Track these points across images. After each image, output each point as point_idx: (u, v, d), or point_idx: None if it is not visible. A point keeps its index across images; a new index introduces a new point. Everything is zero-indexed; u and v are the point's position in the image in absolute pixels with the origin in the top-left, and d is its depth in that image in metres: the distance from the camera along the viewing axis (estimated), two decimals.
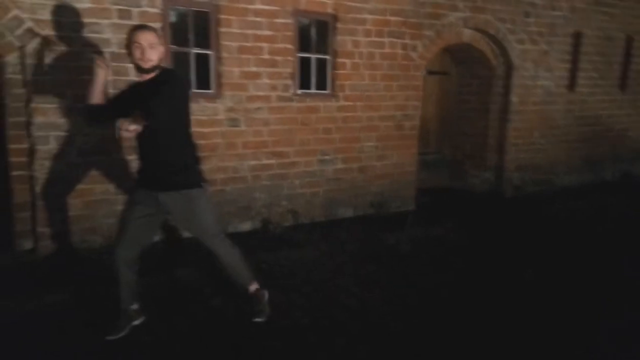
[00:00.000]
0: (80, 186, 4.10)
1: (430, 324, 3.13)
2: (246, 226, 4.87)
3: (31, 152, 3.92)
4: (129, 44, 2.67)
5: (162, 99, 2.54)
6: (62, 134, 3.96)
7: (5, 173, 4.01)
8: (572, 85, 6.96)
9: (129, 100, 2.67)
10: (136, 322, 2.98)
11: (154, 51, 2.64)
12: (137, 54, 2.63)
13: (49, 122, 3.91)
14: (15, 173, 3.96)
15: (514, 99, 6.44)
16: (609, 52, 7.23)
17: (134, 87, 2.80)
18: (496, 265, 4.14)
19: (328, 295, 3.51)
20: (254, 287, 3.13)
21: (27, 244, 4.07)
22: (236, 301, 3.27)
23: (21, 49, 3.77)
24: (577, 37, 6.81)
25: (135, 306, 2.97)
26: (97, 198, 4.18)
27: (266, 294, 3.16)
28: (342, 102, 5.17)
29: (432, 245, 4.60)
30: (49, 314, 3.12)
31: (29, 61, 3.78)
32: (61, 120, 3.94)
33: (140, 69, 2.67)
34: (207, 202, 2.92)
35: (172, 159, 2.76)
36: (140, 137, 2.63)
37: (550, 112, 6.83)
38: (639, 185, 7.37)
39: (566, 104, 6.97)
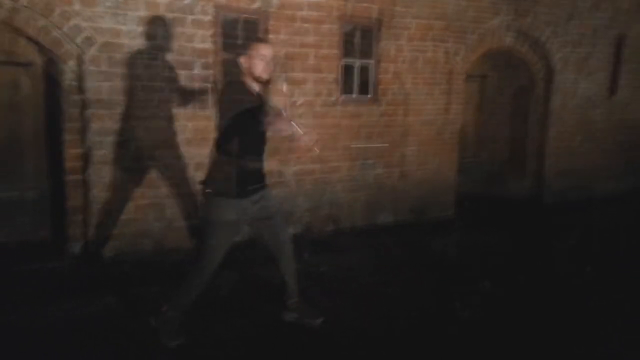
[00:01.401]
0: (132, 190, 4.19)
1: (483, 330, 3.13)
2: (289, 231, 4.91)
3: (86, 157, 4.02)
4: (252, 56, 2.72)
5: None
6: (117, 139, 4.06)
7: (59, 178, 4.13)
8: (613, 89, 6.83)
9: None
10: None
11: (271, 65, 2.77)
12: (261, 66, 2.71)
13: (105, 127, 4.00)
14: (70, 177, 4.06)
15: (554, 103, 6.36)
16: None
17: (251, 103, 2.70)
18: (540, 269, 4.10)
19: (376, 299, 3.54)
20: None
21: (79, 247, 4.17)
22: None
23: (80, 56, 3.87)
24: (620, 39, 6.68)
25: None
26: (148, 202, 4.26)
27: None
28: (384, 107, 5.17)
29: (475, 250, 4.58)
30: (101, 317, 3.19)
31: (88, 68, 3.88)
32: (116, 126, 4.03)
33: (258, 80, 2.74)
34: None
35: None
36: (257, 143, 2.79)
37: (591, 117, 6.72)
38: None
39: (607, 109, 6.84)
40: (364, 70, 5.06)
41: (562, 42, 6.15)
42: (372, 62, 5.06)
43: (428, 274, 4.02)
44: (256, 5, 4.38)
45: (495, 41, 5.77)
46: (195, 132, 4.33)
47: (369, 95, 5.12)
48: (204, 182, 2.90)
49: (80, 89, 3.93)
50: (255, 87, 2.79)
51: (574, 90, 6.46)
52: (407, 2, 5.05)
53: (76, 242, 4.14)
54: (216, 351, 2.87)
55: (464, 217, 5.59)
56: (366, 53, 5.03)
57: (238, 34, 4.40)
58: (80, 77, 3.91)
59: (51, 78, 4.19)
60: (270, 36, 4.48)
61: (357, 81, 5.05)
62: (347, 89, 5.00)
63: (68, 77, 3.91)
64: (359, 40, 4.98)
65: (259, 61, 2.71)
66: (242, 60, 2.78)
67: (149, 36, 4.02)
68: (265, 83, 2.79)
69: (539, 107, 6.40)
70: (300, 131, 2.66)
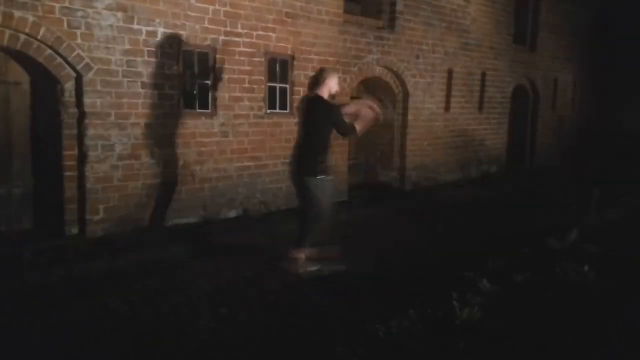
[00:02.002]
0: (117, 183, 5.33)
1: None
2: (232, 213, 6.39)
3: (83, 158, 5.09)
4: (328, 80, 4.41)
5: None
6: (107, 142, 5.20)
7: (57, 174, 5.12)
8: (447, 107, 9.51)
9: None
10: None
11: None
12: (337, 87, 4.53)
13: (98, 133, 5.13)
14: (67, 174, 5.09)
15: (410, 117, 8.75)
16: (471, 83, 9.96)
17: None
18: (413, 227, 6.21)
19: None
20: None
21: (74, 230, 5.19)
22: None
23: (78, 78, 4.98)
24: (450, 72, 9.38)
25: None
26: (129, 192, 5.43)
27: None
28: (297, 119, 6.93)
29: (371, 219, 6.56)
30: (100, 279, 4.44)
31: (86, 88, 5.00)
32: (106, 133, 5.18)
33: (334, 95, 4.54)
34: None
35: None
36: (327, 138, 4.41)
37: (433, 127, 9.27)
38: (492, 180, 10.17)
39: (444, 121, 9.49)
40: (282, 91, 6.78)
41: (412, 74, 8.58)
42: (288, 85, 6.81)
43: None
44: (207, 42, 5.86)
45: (369, 72, 7.93)
46: (164, 137, 5.62)
47: (287, 110, 6.84)
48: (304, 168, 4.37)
49: (78, 104, 5.02)
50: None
51: (422, 108, 8.94)
52: (309, 43, 6.90)
53: (72, 225, 5.15)
54: None
55: (355, 199, 7.59)
56: (284, 79, 6.77)
57: (194, 65, 5.83)
58: (77, 94, 5.01)
59: (36, 95, 5.18)
60: (218, 65, 5.98)
61: (278, 99, 6.75)
62: (271, 105, 6.67)
63: (67, 94, 4.99)
64: (279, 69, 6.70)
65: (335, 84, 4.45)
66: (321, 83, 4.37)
67: (131, 64, 5.26)
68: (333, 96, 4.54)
69: (399, 120, 8.73)
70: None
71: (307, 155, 4.38)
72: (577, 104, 13.93)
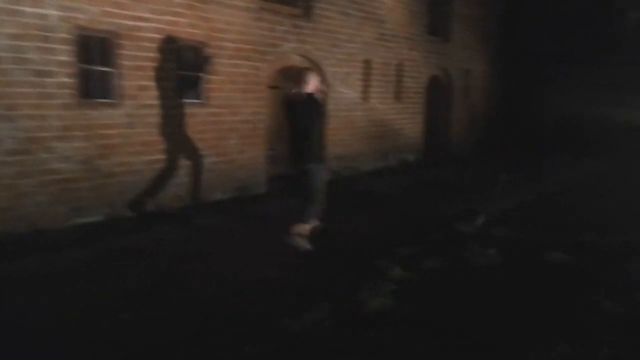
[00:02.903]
0: (8, 181, 4.83)
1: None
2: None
3: None
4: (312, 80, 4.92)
5: None
6: None
7: None
8: (366, 97, 9.62)
9: None
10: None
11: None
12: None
13: None
14: None
15: (329, 107, 8.74)
16: (388, 74, 10.14)
17: None
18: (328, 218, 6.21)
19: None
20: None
21: None
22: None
23: None
24: (367, 62, 9.48)
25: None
26: (22, 191, 4.95)
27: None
28: (212, 109, 6.68)
29: (287, 211, 6.46)
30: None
31: None
32: None
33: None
34: None
35: None
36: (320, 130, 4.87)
37: (353, 117, 9.35)
38: (411, 168, 10.48)
39: (363, 111, 9.59)
40: (196, 80, 6.49)
41: (331, 63, 8.57)
42: (202, 74, 6.52)
43: (254, 226, 5.74)
44: (108, 27, 5.44)
45: (286, 61, 7.81)
46: (62, 129, 5.17)
47: (201, 100, 6.56)
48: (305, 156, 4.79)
49: None
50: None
51: (341, 98, 8.97)
52: (222, 30, 6.65)
53: None
54: None
55: (274, 191, 7.48)
56: (197, 67, 6.47)
57: (94, 50, 5.40)
58: None
59: None
60: (120, 52, 5.58)
61: (192, 89, 6.45)
62: (184, 94, 6.36)
63: None
64: (191, 57, 6.39)
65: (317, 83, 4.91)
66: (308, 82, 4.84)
67: (20, 50, 4.76)
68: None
69: None
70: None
71: (308, 146, 4.81)
72: (489, 93, 14.69)
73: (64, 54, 5.10)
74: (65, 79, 5.14)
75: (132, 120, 5.78)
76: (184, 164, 6.44)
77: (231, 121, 6.97)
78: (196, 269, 4.30)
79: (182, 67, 6.30)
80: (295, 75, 8.40)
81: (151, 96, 5.95)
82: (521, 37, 14.75)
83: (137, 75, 5.77)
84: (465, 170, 10.31)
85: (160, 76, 6.01)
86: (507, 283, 4.04)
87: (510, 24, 14.64)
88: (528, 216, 6.39)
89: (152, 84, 5.94)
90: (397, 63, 10.36)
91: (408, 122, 11.14)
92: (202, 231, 5.45)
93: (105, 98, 5.57)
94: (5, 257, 4.35)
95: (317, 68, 8.39)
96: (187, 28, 6.19)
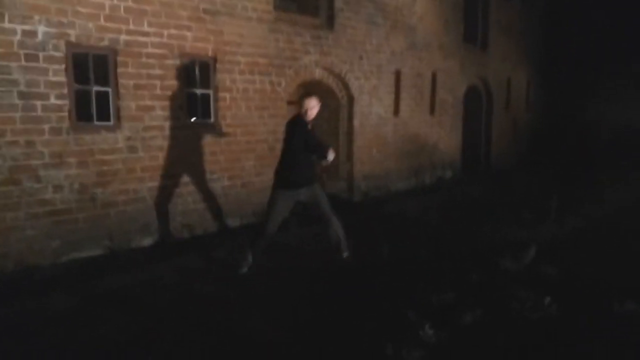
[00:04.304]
0: None
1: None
2: (147, 241, 5.49)
3: None
4: (304, 106, 4.50)
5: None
6: None
7: None
8: (396, 111, 8.88)
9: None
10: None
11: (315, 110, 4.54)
12: (309, 113, 4.51)
13: None
14: None
15: (356, 123, 8.06)
16: (420, 85, 9.38)
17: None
18: (358, 247, 5.48)
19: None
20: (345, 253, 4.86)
21: None
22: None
23: None
24: (398, 74, 8.76)
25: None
26: (8, 225, 4.48)
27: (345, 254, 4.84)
28: (224, 129, 6.11)
29: (308, 238, 5.79)
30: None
31: None
32: None
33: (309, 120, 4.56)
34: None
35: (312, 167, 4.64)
36: (297, 154, 4.42)
37: (382, 133, 8.62)
38: (448, 186, 9.62)
39: (393, 126, 8.85)
40: (205, 98, 5.95)
41: (356, 76, 7.89)
42: (211, 91, 5.98)
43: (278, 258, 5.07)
44: (104, 43, 4.96)
45: (307, 74, 7.19)
46: (53, 156, 4.70)
47: (211, 119, 6.01)
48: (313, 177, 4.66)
49: None
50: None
51: (369, 112, 8.27)
52: (234, 43, 6.10)
53: None
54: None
55: (296, 214, 6.80)
56: (205, 84, 5.93)
57: (89, 68, 4.92)
58: None
59: None
60: (119, 69, 5.10)
61: (200, 107, 5.91)
62: (191, 114, 5.82)
63: None
64: (199, 73, 5.86)
65: (306, 110, 4.46)
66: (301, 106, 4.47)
67: (4, 70, 4.33)
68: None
69: (345, 126, 8.03)
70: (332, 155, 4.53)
71: (310, 167, 4.66)
72: (532, 103, 13.65)
73: (55, 74, 4.64)
74: (57, 101, 4.68)
75: (133, 143, 5.27)
76: (193, 189, 5.87)
77: (245, 141, 6.38)
78: (188, 320, 3.66)
79: (189, 85, 5.77)
80: (317, 89, 7.82)
81: (154, 117, 5.43)
82: (565, 44, 13.70)
83: (138, 95, 5.27)
84: (508, 189, 9.36)
85: (165, 95, 5.49)
86: (569, 349, 3.19)
87: (552, 31, 13.62)
88: (586, 247, 5.46)
89: (156, 103, 5.43)
90: (431, 74, 9.59)
91: (444, 136, 10.31)
92: (205, 268, 4.83)
93: (102, 120, 5.08)
94: None
95: (341, 81, 7.74)
96: (193, 42, 5.67)
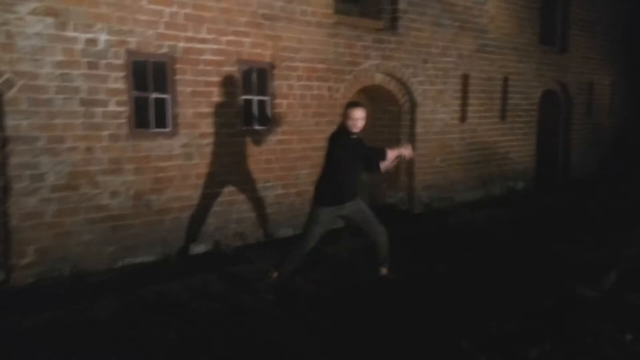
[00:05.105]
0: (51, 219, 4.50)
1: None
2: (200, 248, 5.48)
3: (5, 190, 4.29)
4: (346, 116, 4.13)
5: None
6: (36, 172, 4.38)
7: None
8: (463, 117, 8.39)
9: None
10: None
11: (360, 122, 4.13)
12: (353, 125, 4.10)
13: (24, 162, 4.32)
14: None
15: (418, 130, 7.68)
16: (491, 90, 8.81)
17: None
18: (409, 265, 5.14)
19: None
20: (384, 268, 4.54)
21: (2, 275, 4.38)
22: None
23: None
24: (465, 78, 8.27)
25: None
26: (66, 229, 4.60)
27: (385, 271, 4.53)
28: (280, 136, 6.00)
29: (355, 253, 5.52)
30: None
31: (7, 107, 4.21)
32: (35, 160, 4.37)
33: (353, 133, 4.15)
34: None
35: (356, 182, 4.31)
36: (341, 168, 4.14)
37: (447, 140, 8.17)
38: (519, 198, 8.95)
39: (460, 133, 8.36)
40: (261, 104, 5.87)
41: (420, 81, 7.52)
42: (268, 98, 5.89)
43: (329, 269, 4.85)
44: (163, 50, 5.00)
45: (367, 80, 6.94)
46: (111, 162, 4.78)
47: (266, 126, 5.91)
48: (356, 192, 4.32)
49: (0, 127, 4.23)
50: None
51: (433, 119, 7.86)
52: (292, 49, 5.97)
53: None
54: None
55: (352, 227, 6.55)
56: (262, 90, 5.85)
57: (148, 75, 4.98)
58: None
59: None
60: (177, 77, 5.12)
61: (257, 114, 5.83)
62: (247, 121, 5.76)
63: None
64: (256, 79, 5.78)
65: (351, 122, 4.07)
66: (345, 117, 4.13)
67: (66, 78, 4.45)
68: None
69: (406, 133, 7.67)
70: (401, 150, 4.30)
71: (354, 181, 4.33)
72: (616, 109, 12.50)
73: (115, 81, 4.73)
74: (116, 108, 4.76)
75: (189, 150, 5.28)
76: (247, 197, 5.80)
77: (301, 149, 6.23)
78: (229, 335, 3.53)
79: (246, 91, 5.71)
80: (378, 95, 7.55)
81: (211, 124, 5.41)
82: None
83: (195, 102, 5.27)
84: (587, 202, 8.55)
85: (221, 102, 5.46)
86: None
87: (637, 30, 12.39)
88: None
89: (212, 110, 5.41)
90: (502, 77, 8.99)
91: (516, 143, 9.63)
92: (254, 278, 4.70)
93: (159, 127, 5.12)
94: (31, 305, 3.94)
95: (403, 86, 7.41)
96: (251, 48, 5.61)
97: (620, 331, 3.28)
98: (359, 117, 4.11)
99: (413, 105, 7.59)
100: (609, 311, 3.76)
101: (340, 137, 4.16)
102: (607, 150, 12.19)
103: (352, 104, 4.24)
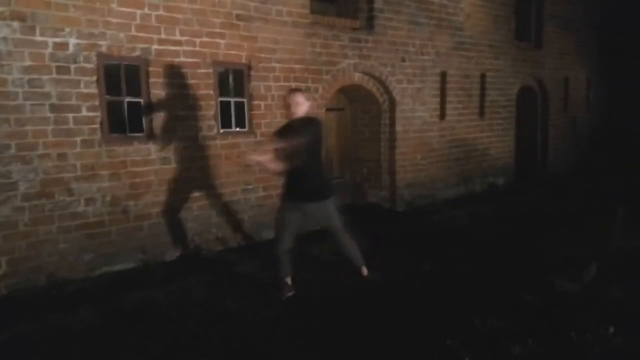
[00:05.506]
0: (25, 228, 4.37)
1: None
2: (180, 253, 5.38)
3: None
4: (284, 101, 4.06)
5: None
6: (7, 181, 4.25)
7: None
8: (442, 115, 8.42)
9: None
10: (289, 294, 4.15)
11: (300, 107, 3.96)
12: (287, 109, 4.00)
13: None
14: None
15: (398, 128, 7.68)
16: (469, 87, 8.87)
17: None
18: (394, 263, 5.12)
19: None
20: (364, 269, 4.46)
21: None
22: None
23: None
24: (443, 75, 8.31)
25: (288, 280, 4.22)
26: (41, 239, 4.47)
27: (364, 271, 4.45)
28: (259, 138, 5.94)
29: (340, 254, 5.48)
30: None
31: None
32: (5, 169, 4.24)
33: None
34: (334, 209, 4.22)
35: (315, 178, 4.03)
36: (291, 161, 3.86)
37: (427, 138, 8.19)
38: (499, 194, 9.02)
39: (439, 131, 8.40)
40: (239, 106, 5.80)
41: (398, 79, 7.53)
42: (245, 99, 5.82)
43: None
44: (136, 53, 4.90)
45: (346, 79, 6.92)
46: (85, 169, 4.66)
47: (245, 128, 5.85)
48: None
49: None
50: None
51: (412, 117, 7.87)
52: (269, 50, 5.91)
53: None
54: None
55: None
56: (239, 92, 5.78)
57: (121, 78, 4.87)
58: None
59: None
60: (151, 79, 5.02)
61: (234, 116, 5.76)
62: (225, 123, 5.68)
63: None
64: (233, 81, 5.71)
65: (292, 107, 3.97)
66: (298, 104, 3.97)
67: (35, 84, 4.33)
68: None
69: (387, 132, 7.67)
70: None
71: (318, 178, 4.12)
72: (592, 104, 12.71)
73: (87, 86, 4.62)
74: (88, 113, 4.65)
75: (165, 155, 5.18)
76: (227, 201, 5.72)
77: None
78: (211, 340, 3.46)
79: (222, 93, 5.63)
80: (357, 94, 7.53)
81: (187, 127, 5.33)
82: (628, 38, 12.66)
83: (170, 105, 5.18)
84: (566, 197, 8.66)
85: (198, 104, 5.38)
86: None
87: (614, 24, 12.62)
88: None
89: (189, 113, 5.33)
90: (480, 74, 9.06)
91: (495, 140, 9.71)
92: (236, 282, 4.64)
93: (134, 132, 5.02)
94: (5, 318, 3.81)
95: (382, 85, 7.41)
96: (227, 49, 5.54)
97: (603, 324, 3.29)
98: (298, 103, 3.98)
99: (392, 103, 7.59)
100: (590, 306, 3.78)
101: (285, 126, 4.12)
102: (584, 144, 12.39)
103: (292, 90, 4.30)
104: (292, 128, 3.96)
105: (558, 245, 5.57)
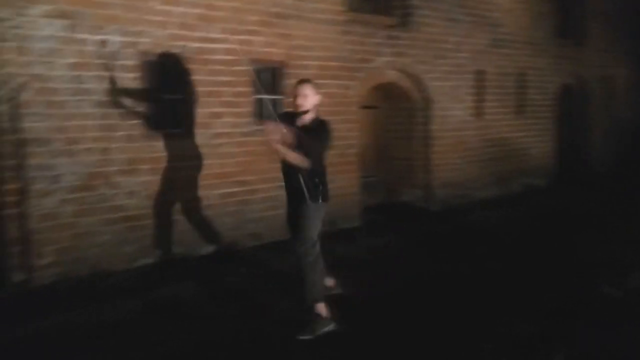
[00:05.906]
0: (68, 220, 4.53)
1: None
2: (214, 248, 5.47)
3: (23, 192, 4.33)
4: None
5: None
6: (53, 173, 4.41)
7: None
8: (479, 113, 8.27)
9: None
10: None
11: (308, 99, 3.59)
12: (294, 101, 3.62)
13: (41, 163, 4.35)
14: (7, 212, 4.33)
15: (433, 127, 7.59)
16: (506, 85, 8.68)
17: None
18: (428, 265, 5.05)
19: None
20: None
21: (20, 277, 4.41)
22: None
23: (12, 100, 4.23)
24: (480, 73, 8.15)
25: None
26: (84, 230, 4.62)
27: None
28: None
29: (377, 252, 5.45)
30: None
31: (23, 111, 4.25)
32: (52, 162, 4.40)
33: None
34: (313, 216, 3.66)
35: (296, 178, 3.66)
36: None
37: (463, 137, 8.05)
38: (538, 195, 8.78)
39: (475, 130, 8.25)
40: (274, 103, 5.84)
41: (434, 77, 7.43)
42: (281, 97, 5.86)
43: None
44: (175, 51, 5.01)
45: (380, 77, 6.88)
46: (129, 162, 4.80)
47: None
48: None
49: (16, 130, 4.27)
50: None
51: (448, 115, 7.76)
52: (304, 47, 5.94)
53: (17, 271, 4.37)
54: None
55: (370, 226, 6.50)
56: (275, 89, 5.83)
57: (161, 75, 4.99)
58: (15, 119, 4.26)
59: None
60: (189, 77, 5.12)
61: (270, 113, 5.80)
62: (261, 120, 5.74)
63: (3, 119, 4.24)
64: (269, 79, 5.76)
65: (297, 99, 3.61)
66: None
67: (79, 79, 4.48)
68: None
69: (421, 130, 7.59)
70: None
71: (293, 178, 3.73)
72: (635, 102, 12.22)
73: (128, 82, 4.75)
74: (131, 109, 4.78)
75: (203, 150, 5.27)
76: (262, 197, 5.78)
77: None
78: (240, 335, 3.50)
79: (258, 90, 5.69)
80: (391, 92, 7.47)
81: (224, 124, 5.41)
82: None
83: (208, 102, 5.28)
84: (609, 198, 8.35)
85: (234, 101, 5.46)
86: None
87: None
88: None
89: (226, 110, 5.41)
90: (518, 72, 8.85)
91: (534, 139, 9.47)
92: (267, 278, 4.67)
93: (173, 128, 5.13)
94: (51, 306, 3.96)
95: (417, 83, 7.33)
96: (263, 47, 5.60)
97: None
98: (305, 95, 3.61)
99: (427, 102, 7.50)
100: (635, 312, 3.63)
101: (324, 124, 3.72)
102: (627, 144, 11.93)
103: (300, 80, 3.80)
104: (308, 129, 3.60)
105: (601, 248, 5.37)
